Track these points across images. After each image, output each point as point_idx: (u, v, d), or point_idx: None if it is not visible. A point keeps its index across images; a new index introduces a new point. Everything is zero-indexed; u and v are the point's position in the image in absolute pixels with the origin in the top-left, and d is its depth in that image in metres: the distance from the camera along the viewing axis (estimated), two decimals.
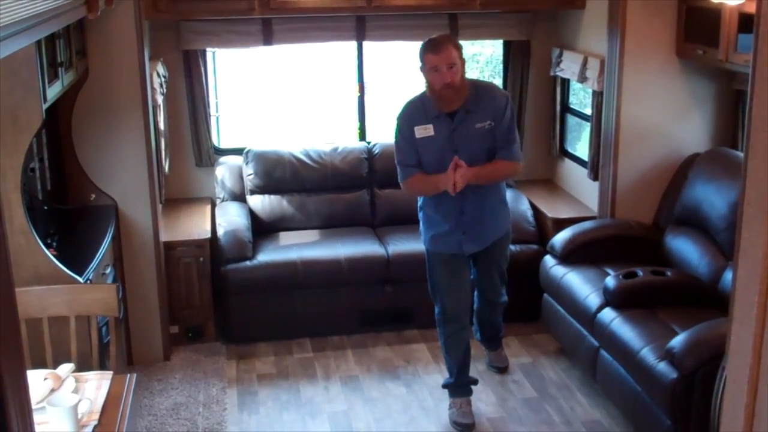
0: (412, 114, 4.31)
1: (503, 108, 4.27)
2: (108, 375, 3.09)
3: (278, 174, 5.85)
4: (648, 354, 3.97)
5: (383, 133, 6.30)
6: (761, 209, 1.16)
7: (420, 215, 4.51)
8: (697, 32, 4.83)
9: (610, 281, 4.49)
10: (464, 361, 4.54)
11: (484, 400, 4.72)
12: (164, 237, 5.24)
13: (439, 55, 4.10)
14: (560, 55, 5.85)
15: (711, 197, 4.65)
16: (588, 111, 5.66)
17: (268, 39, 5.75)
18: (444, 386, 4.65)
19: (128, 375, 3.11)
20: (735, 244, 1.33)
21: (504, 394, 4.80)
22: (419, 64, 4.22)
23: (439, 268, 4.47)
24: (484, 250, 4.50)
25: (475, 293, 4.82)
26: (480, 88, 4.32)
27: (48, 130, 4.63)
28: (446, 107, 4.20)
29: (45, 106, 3.67)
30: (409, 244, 5.44)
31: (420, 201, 4.50)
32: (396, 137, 4.37)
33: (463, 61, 4.19)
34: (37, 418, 2.64)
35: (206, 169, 6.00)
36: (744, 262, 1.20)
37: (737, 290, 1.22)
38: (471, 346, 4.58)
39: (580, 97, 6.08)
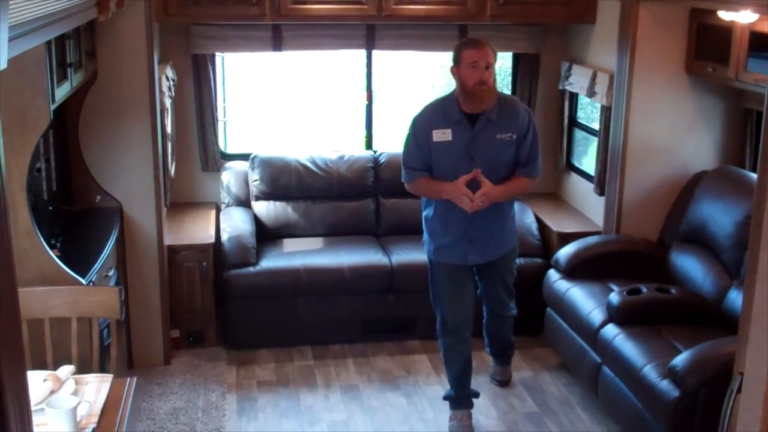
0: (431, 117, 4.29)
1: (527, 124, 4.27)
2: (108, 378, 3.08)
3: (284, 180, 5.85)
4: (650, 371, 3.95)
5: (390, 143, 6.29)
6: None
7: (425, 224, 4.49)
8: (707, 50, 4.82)
9: (614, 297, 4.47)
10: (464, 374, 4.52)
11: (484, 413, 4.69)
12: (168, 241, 5.23)
13: (480, 51, 4.13)
14: (569, 69, 5.84)
15: (717, 215, 4.63)
16: (596, 125, 5.65)
17: (277, 45, 5.75)
18: (445, 398, 4.63)
19: (128, 378, 3.09)
20: (746, 265, 1.31)
21: (505, 407, 4.78)
22: (451, 64, 4.23)
23: (442, 279, 4.45)
24: (488, 263, 4.48)
25: (484, 307, 4.81)
26: (502, 100, 4.31)
27: (55, 130, 4.63)
28: (476, 107, 4.18)
29: (53, 107, 3.67)
30: (413, 254, 5.43)
31: (427, 210, 4.47)
32: (407, 139, 4.35)
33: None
34: (36, 419, 2.63)
35: (212, 173, 6.00)
36: (762, 285, 1.18)
37: (753, 314, 1.20)
38: (473, 360, 4.57)
39: (588, 112, 6.07)
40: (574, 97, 6.06)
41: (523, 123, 4.27)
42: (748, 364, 1.20)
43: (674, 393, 3.75)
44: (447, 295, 4.45)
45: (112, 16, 3.95)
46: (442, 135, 4.23)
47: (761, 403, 1.16)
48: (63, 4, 2.89)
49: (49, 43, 3.53)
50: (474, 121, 4.22)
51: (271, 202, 5.85)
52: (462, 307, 4.45)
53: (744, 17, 4.27)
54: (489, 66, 4.13)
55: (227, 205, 5.89)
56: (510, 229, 4.51)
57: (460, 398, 4.54)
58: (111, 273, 4.41)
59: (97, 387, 3.01)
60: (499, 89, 4.31)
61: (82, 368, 3.28)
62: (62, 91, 3.88)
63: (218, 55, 6.00)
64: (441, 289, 4.47)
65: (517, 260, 4.83)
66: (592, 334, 4.53)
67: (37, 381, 2.89)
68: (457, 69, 4.19)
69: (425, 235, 4.50)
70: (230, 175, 5.92)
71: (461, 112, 4.22)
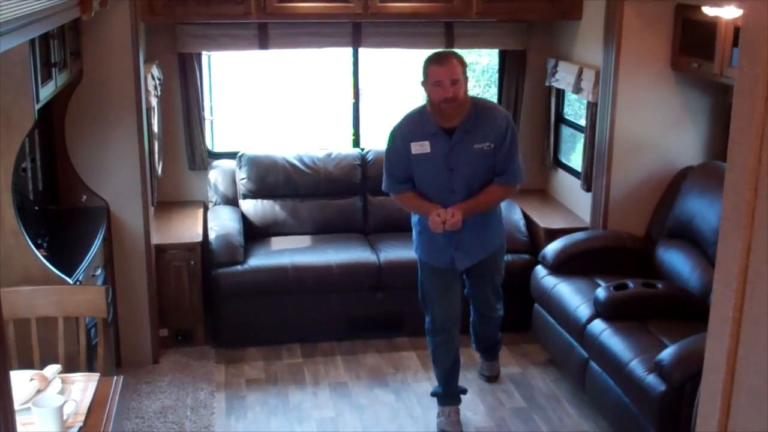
0: (409, 129, 4.26)
1: (504, 131, 4.22)
2: (95, 377, 3.08)
3: (271, 179, 5.85)
4: (637, 366, 3.97)
5: (377, 140, 6.29)
6: (737, 224, 1.16)
7: (414, 221, 4.50)
8: (692, 45, 4.84)
9: (601, 293, 4.49)
10: (452, 371, 4.53)
11: (472, 409, 4.71)
12: (156, 240, 5.23)
13: (444, 68, 4.05)
14: (555, 65, 5.85)
15: (703, 210, 4.65)
16: (582, 122, 5.66)
17: (263, 43, 5.74)
18: (433, 394, 4.64)
19: (115, 377, 3.09)
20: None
21: (493, 403, 4.80)
22: (421, 78, 4.18)
23: (431, 278, 4.46)
24: (476, 264, 4.49)
25: (471, 306, 4.81)
26: (480, 107, 4.26)
27: (41, 130, 4.62)
28: (445, 123, 4.16)
29: (37, 107, 3.66)
30: (400, 252, 5.44)
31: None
32: (388, 150, 4.35)
33: (466, 79, 4.14)
34: (22, 418, 2.63)
35: (199, 172, 5.99)
36: (719, 276, 1.20)
37: (712, 304, 1.22)
38: (461, 356, 4.57)
39: (575, 108, 6.08)
40: (560, 94, 6.07)
41: (501, 129, 4.22)
42: (707, 354, 1.22)
43: (660, 387, 3.77)
44: (435, 293, 4.46)
45: (96, 15, 3.95)
46: (420, 147, 4.20)
47: (719, 393, 1.17)
48: (44, 3, 2.88)
49: (33, 42, 3.52)
50: (451, 132, 4.19)
51: (259, 201, 5.85)
52: (450, 306, 4.46)
53: (728, 12, 4.29)
54: (456, 81, 4.04)
55: (215, 204, 5.89)
56: (496, 228, 4.51)
57: (448, 395, 4.55)
58: (98, 272, 4.40)
59: (83, 386, 3.01)
60: (486, 87, 4.31)
61: (69, 367, 3.28)
62: (47, 91, 3.87)
63: (204, 54, 5.99)
64: (429, 287, 4.48)
65: (505, 257, 4.84)
66: (579, 330, 4.54)
67: (23, 380, 2.89)
68: (425, 84, 4.17)
69: (414, 234, 4.51)
70: (217, 174, 5.92)
71: (437, 124, 4.21)
